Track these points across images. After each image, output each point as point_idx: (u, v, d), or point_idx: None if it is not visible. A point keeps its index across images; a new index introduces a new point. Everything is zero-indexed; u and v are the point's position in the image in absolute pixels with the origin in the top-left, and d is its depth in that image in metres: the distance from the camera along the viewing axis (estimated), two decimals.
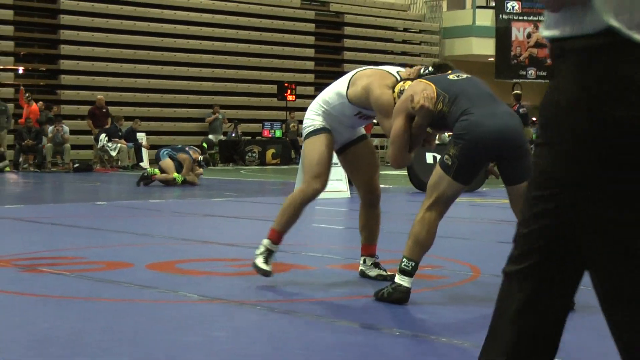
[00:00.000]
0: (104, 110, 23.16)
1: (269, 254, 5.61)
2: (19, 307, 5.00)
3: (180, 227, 9.42)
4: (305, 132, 5.73)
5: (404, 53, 31.52)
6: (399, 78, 5.46)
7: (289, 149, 26.24)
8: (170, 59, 26.00)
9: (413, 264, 5.03)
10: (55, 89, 24.80)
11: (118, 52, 25.22)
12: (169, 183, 15.81)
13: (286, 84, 26.15)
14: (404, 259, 5.04)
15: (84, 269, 6.27)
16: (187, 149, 16.45)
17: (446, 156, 5.00)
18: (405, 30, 31.90)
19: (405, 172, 15.99)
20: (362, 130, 5.97)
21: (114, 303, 5.14)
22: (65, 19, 24.81)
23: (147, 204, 12.42)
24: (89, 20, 24.97)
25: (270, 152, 25.95)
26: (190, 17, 26.62)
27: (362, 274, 5.94)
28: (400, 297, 5.01)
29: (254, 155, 25.81)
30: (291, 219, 5.66)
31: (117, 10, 25.45)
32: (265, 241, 5.64)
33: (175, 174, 15.80)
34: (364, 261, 5.92)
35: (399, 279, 5.04)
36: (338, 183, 13.81)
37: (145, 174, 16.32)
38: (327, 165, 5.63)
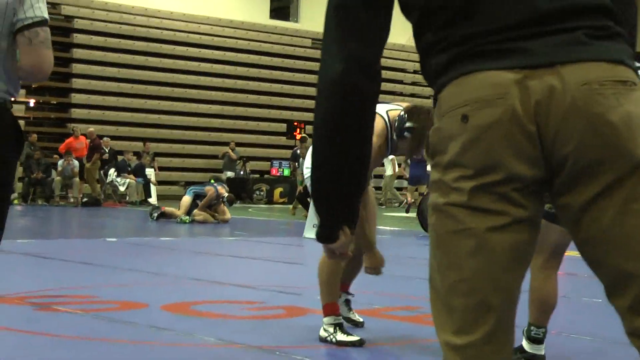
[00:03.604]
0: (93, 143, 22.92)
1: (340, 327, 5.30)
2: (36, 347, 4.95)
3: (192, 266, 9.38)
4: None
5: (413, 95, 31.57)
6: (387, 119, 5.34)
7: (296, 187, 26.23)
8: (181, 95, 26.09)
9: (543, 331, 4.73)
10: (66, 122, 24.86)
11: (129, 87, 25.32)
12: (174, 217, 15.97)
13: (295, 123, 26.16)
14: (532, 327, 4.71)
15: (98, 309, 6.23)
16: (215, 183, 16.54)
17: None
18: (415, 72, 31.96)
19: (414, 215, 15.92)
20: None
21: (131, 345, 5.09)
22: (77, 52, 24.93)
23: (157, 241, 12.39)
24: (101, 54, 25.09)
25: (278, 191, 25.93)
26: (202, 53, 26.75)
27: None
28: None
29: (261, 193, 25.80)
30: (334, 285, 5.38)
31: (129, 45, 25.58)
32: (326, 319, 5.30)
33: (182, 216, 15.84)
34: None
35: (531, 349, 4.73)
36: None
37: (156, 207, 16.53)
38: None
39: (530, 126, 1.79)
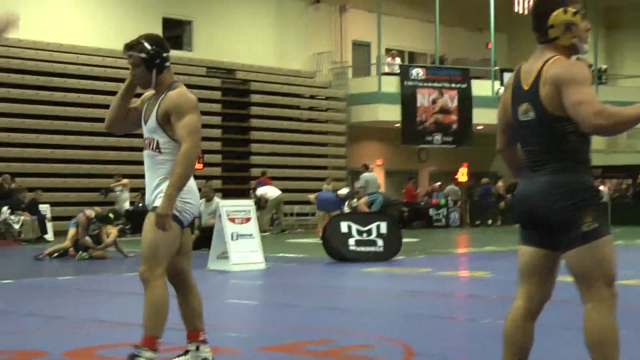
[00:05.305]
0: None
1: None
2: None
3: (93, 307, 8.98)
4: None
5: (310, 120, 31.54)
6: None
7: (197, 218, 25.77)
8: (73, 127, 25.44)
9: None
10: None
11: (20, 122, 24.57)
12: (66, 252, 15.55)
13: None
14: None
15: None
16: (84, 209, 16.19)
17: (594, 224, 3.85)
18: (311, 97, 31.92)
19: (318, 241, 15.73)
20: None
21: None
22: None
23: (55, 281, 11.90)
24: None
25: None
26: (95, 85, 26.17)
27: None
28: None
29: None
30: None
31: (19, 79, 24.83)
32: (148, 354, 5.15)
33: (80, 253, 15.40)
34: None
35: None
36: (253, 255, 13.45)
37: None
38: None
39: None
